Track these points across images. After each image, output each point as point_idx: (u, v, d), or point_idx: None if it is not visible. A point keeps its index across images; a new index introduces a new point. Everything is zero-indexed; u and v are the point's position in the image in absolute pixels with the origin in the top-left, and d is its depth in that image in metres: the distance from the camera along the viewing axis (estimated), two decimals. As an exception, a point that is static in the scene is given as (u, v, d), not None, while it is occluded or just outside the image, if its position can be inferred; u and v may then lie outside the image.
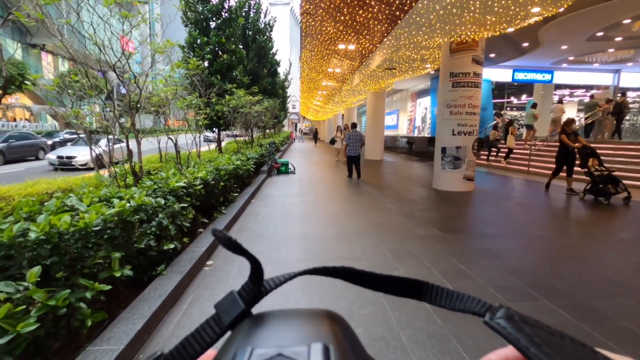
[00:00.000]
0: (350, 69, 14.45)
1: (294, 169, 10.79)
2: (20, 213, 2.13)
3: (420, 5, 6.73)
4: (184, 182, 3.71)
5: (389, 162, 15.13)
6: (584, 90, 19.41)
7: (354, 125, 9.70)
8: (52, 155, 11.16)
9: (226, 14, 9.15)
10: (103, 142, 10.48)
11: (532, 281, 3.07)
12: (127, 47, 3.32)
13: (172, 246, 2.97)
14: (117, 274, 2.13)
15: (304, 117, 63.51)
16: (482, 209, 6.17)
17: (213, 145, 9.92)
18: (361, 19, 8.22)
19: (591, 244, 4.17)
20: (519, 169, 11.28)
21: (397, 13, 7.53)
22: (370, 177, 9.87)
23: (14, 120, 24.44)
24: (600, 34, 10.91)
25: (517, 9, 6.03)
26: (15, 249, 1.79)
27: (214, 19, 9.02)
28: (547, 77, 16.69)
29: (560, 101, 13.38)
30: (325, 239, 4.27)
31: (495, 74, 16.14)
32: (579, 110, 19.90)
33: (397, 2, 7.26)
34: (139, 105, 3.69)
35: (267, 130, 19.65)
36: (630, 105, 12.26)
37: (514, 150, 12.23)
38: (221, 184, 5.05)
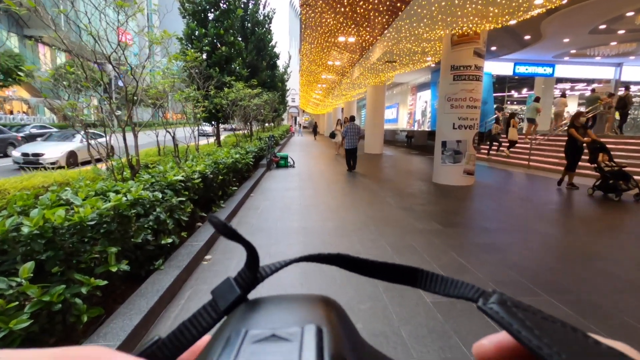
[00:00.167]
0: (350, 61, 14.32)
1: (294, 162, 10.74)
2: (14, 207, 2.08)
3: (421, -4, 6.63)
4: (182, 176, 3.67)
5: (389, 155, 15.08)
6: (584, 84, 19.32)
7: (352, 119, 9.78)
8: (16, 153, 9.79)
9: (224, 5, 9.01)
10: (78, 138, 9.84)
11: (533, 276, 3.05)
12: (124, 38, 3.25)
13: (170, 240, 2.94)
14: (114, 269, 2.09)
15: (303, 111, 63.23)
16: (483, 203, 6.15)
17: (210, 139, 9.85)
18: (362, 10, 8.10)
19: (596, 239, 4.14)
20: (520, 163, 11.24)
21: (398, 4, 7.42)
22: (369, 171, 9.83)
23: (11, 113, 24.26)
24: (603, 26, 10.81)
25: (521, 0, 5.94)
26: (9, 244, 1.75)
27: (212, 10, 8.88)
28: (549, 70, 16.59)
29: (563, 95, 13.29)
30: (324, 233, 4.24)
31: (496, 67, 16.02)
32: (579, 105, 19.83)
33: (398, -7, 7.15)
34: (135, 98, 3.63)
35: (267, 124, 19.53)
36: (633, 99, 12.17)
37: (516, 144, 12.18)
38: (220, 177, 5.01)
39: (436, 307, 2.49)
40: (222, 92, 7.76)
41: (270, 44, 17.51)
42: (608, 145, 6.91)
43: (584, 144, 6.89)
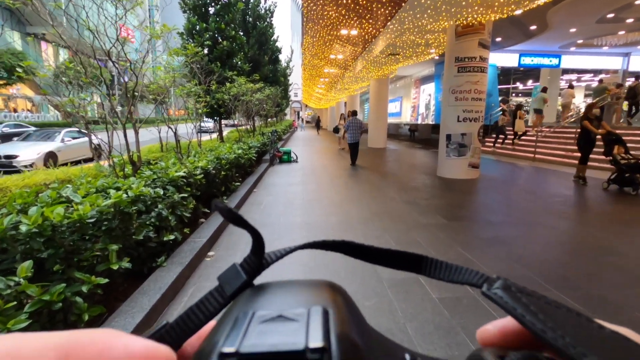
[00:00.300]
0: (353, 55, 14.18)
1: (297, 157, 10.69)
2: (14, 205, 2.06)
3: (425, -14, 6.51)
4: (184, 172, 3.64)
5: (392, 149, 14.98)
6: (591, 74, 19.00)
7: (354, 113, 9.78)
8: None
9: (225, -1, 8.92)
10: (59, 137, 9.34)
11: (541, 271, 2.99)
12: (126, 34, 3.20)
13: (172, 237, 2.91)
14: (115, 267, 2.07)
15: (306, 106, 62.98)
16: (488, 196, 6.07)
17: (213, 135, 9.79)
18: (364, 1, 7.99)
19: (608, 234, 4.06)
20: (525, 156, 11.10)
21: (401, -5, 7.30)
22: (373, 165, 9.76)
23: (15, 111, 24.38)
24: (611, 15, 10.57)
25: (527, -11, 5.81)
26: (7, 243, 1.72)
27: (213, 4, 8.79)
28: (555, 61, 16.31)
29: (570, 86, 13.06)
30: (328, 228, 4.21)
31: (501, 58, 15.78)
32: (586, 96, 19.54)
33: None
34: (136, 94, 3.59)
35: (269, 119, 19.46)
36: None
37: (524, 135, 12.01)
38: (222, 173, 4.98)
39: (442, 302, 2.45)
40: (224, 87, 7.70)
41: (272, 38, 17.38)
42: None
43: (598, 136, 6.66)
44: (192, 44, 5.31)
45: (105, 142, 3.24)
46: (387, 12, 8.50)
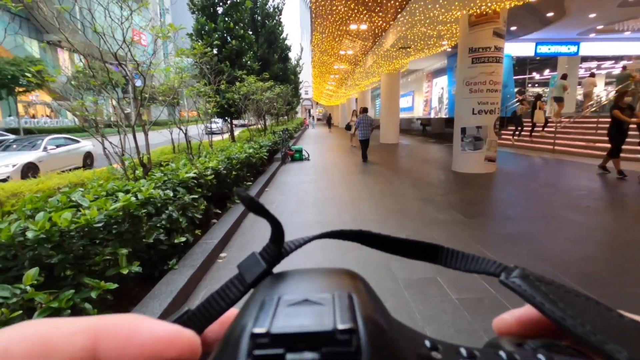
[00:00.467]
0: (363, 49, 13.99)
1: (308, 155, 10.62)
2: (23, 210, 2.05)
3: (436, -24, 6.32)
4: (195, 173, 3.60)
5: (405, 145, 14.75)
6: (612, 61, 18.28)
7: (364, 110, 9.75)
8: None
9: (233, -2, 8.89)
10: (41, 146, 8.29)
11: (566, 268, 2.84)
12: (138, 37, 3.18)
13: (183, 239, 2.88)
14: (124, 271, 2.04)
15: (317, 103, 62.85)
16: (506, 191, 5.88)
17: (224, 136, 9.80)
18: (373, -5, 7.83)
19: (638, 228, 3.86)
20: (544, 148, 10.74)
21: (411, -14, 7.12)
22: (386, 161, 9.61)
23: (34, 117, 25.08)
24: (633, -2, 10.10)
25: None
26: (16, 249, 1.70)
27: (221, 4, 8.78)
28: (573, 49, 15.72)
29: (592, 75, 12.54)
30: (340, 226, 4.06)
31: (516, 48, 15.31)
32: (607, 84, 18.81)
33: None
34: (145, 95, 3.58)
35: (281, 118, 19.44)
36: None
37: (543, 126, 11.60)
38: (233, 173, 4.95)
39: (462, 303, 2.33)
40: (234, 87, 7.68)
41: (282, 37, 17.33)
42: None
43: (632, 125, 6.22)
44: (201, 44, 5.28)
45: (115, 145, 3.23)
46: (397, 4, 8.31)
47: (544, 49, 15.68)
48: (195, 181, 3.62)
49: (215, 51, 8.12)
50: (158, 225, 2.67)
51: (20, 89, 18.01)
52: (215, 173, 4.18)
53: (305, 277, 0.21)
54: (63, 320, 0.15)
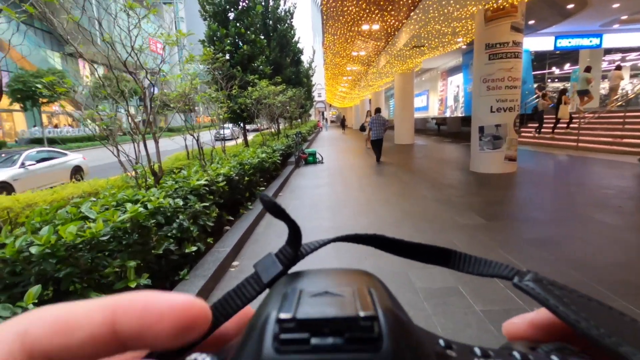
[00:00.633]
0: (376, 50, 13.82)
1: (322, 158, 10.52)
2: (32, 223, 2.02)
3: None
4: (206, 180, 3.56)
5: (421, 145, 14.48)
6: (638, 53, 17.47)
7: (377, 110, 9.72)
8: None
9: (244, 4, 8.92)
10: (19, 162, 7.21)
11: (600, 276, 2.63)
12: (155, 47, 3.17)
13: (194, 249, 2.82)
14: (133, 285, 1.98)
15: (330, 105, 62.78)
16: (529, 191, 5.62)
17: (231, 143, 9.79)
18: (385, -7, 7.69)
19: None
20: (566, 145, 10.31)
21: (424, -17, 6.94)
22: (402, 162, 9.42)
23: (57, 126, 25.94)
24: (660, -15, 9.59)
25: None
26: (22, 264, 1.67)
27: (232, 9, 8.81)
28: (595, 41, 15.09)
29: (618, 67, 11.96)
30: (356, 231, 3.97)
31: (534, 43, 14.81)
32: (632, 76, 18.01)
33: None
34: (157, 102, 3.56)
35: (294, 121, 19.43)
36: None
37: (568, 122, 11.14)
38: (246, 178, 4.89)
39: (487, 316, 2.18)
40: (246, 92, 7.67)
41: (294, 40, 17.33)
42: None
43: None
44: (211, 50, 5.28)
45: (126, 154, 3.22)
46: (409, 1, 8.14)
47: (564, 43, 15.11)
48: (207, 188, 3.57)
49: (227, 56, 8.15)
50: (168, 234, 2.62)
51: (44, 100, 18.69)
52: (228, 179, 4.13)
53: (323, 275, 0.21)
54: (80, 302, 0.15)
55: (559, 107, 10.89)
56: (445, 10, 7.42)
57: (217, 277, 2.87)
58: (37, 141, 21.06)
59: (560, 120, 11.15)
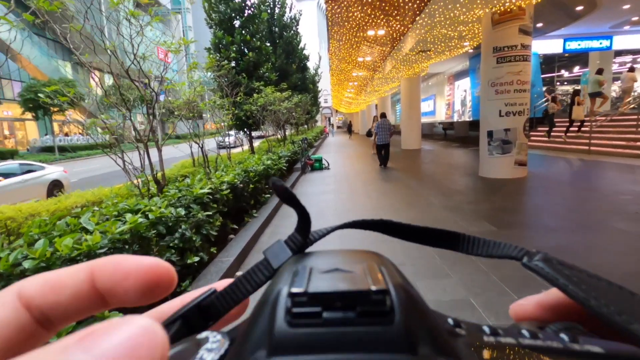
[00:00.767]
0: (381, 55, 13.79)
1: (328, 164, 10.45)
2: (30, 234, 1.98)
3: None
4: (210, 188, 3.50)
5: (428, 150, 14.33)
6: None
7: (382, 115, 9.77)
8: None
9: (250, 11, 8.96)
10: None
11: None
12: (164, 57, 3.15)
13: (197, 259, 2.76)
14: (131, 299, 1.92)
15: (336, 111, 62.90)
16: (541, 197, 5.46)
17: (243, 148, 9.79)
18: (390, -2, 7.66)
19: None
20: (578, 149, 10.09)
21: (430, -12, 6.89)
22: (409, 168, 9.30)
23: (67, 135, 26.35)
24: (672, -15, 9.41)
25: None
26: (16, 279, 1.61)
27: (238, 17, 8.86)
28: (605, 43, 14.87)
29: (631, 69, 11.72)
30: (363, 240, 3.89)
31: (542, 45, 14.66)
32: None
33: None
34: (162, 110, 3.54)
35: (300, 127, 19.45)
36: None
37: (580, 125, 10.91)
38: (251, 186, 4.84)
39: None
40: (252, 98, 7.66)
41: (299, 47, 17.42)
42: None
43: None
44: (217, 57, 5.28)
45: (129, 162, 3.18)
46: (415, 6, 8.09)
47: (573, 45, 14.93)
48: (211, 197, 3.51)
49: (233, 64, 8.16)
50: (170, 245, 2.56)
51: (55, 109, 19.02)
52: (232, 187, 4.08)
53: (332, 254, 0.21)
54: (64, 267, 0.17)
55: (572, 109, 10.67)
56: (452, 14, 7.35)
57: (219, 289, 2.79)
58: (49, 149, 21.40)
59: (574, 122, 10.92)
